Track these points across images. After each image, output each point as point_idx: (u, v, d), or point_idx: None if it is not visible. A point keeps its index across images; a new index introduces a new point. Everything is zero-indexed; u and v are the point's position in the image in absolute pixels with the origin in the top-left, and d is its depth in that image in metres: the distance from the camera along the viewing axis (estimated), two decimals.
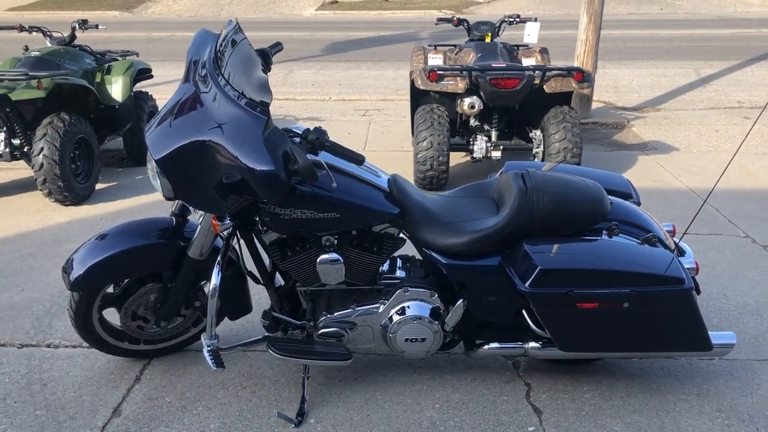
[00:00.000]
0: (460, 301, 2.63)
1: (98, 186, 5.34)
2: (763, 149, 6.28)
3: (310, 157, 2.40)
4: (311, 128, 2.41)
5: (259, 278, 2.79)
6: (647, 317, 2.48)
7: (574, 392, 2.84)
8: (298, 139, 2.45)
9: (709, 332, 2.58)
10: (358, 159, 2.39)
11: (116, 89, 5.54)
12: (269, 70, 2.72)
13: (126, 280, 2.84)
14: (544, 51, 6.11)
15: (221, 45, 2.38)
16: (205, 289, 2.93)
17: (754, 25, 15.11)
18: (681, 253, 2.79)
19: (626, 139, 6.75)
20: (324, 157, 2.52)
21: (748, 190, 5.23)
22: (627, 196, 2.89)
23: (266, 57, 2.73)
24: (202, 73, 2.35)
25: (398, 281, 2.74)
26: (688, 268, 2.65)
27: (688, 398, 2.79)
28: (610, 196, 2.72)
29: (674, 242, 2.75)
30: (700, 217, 4.65)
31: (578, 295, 2.42)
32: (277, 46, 2.87)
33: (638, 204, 2.90)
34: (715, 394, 2.82)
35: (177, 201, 2.79)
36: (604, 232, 2.58)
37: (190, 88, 2.37)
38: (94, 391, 2.86)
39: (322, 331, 2.69)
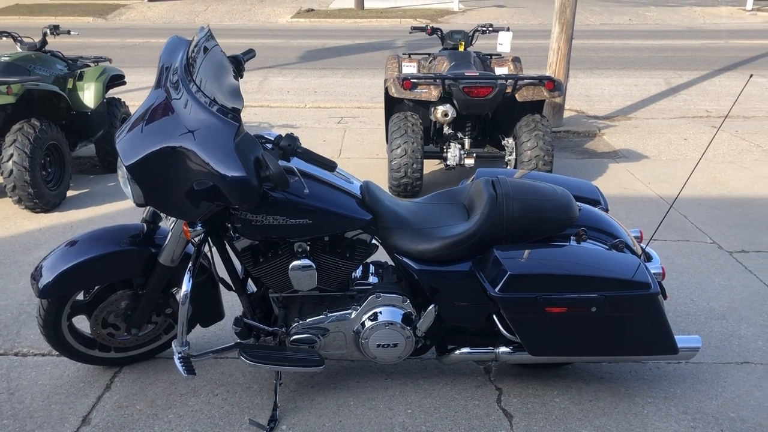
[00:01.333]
0: (431, 307, 2.66)
1: (69, 193, 5.28)
2: (730, 157, 6.41)
3: (282, 163, 2.41)
4: (283, 135, 2.42)
5: (231, 285, 2.79)
6: (615, 321, 2.52)
7: (544, 396, 2.87)
8: (270, 146, 2.45)
9: (676, 336, 2.63)
10: (330, 165, 2.41)
11: (88, 95, 5.48)
12: (241, 77, 2.73)
13: (96, 287, 2.81)
14: (516, 60, 6.19)
15: (193, 51, 2.38)
16: (177, 296, 2.92)
17: (722, 36, 15.44)
18: (648, 258, 2.85)
19: (597, 148, 6.85)
20: (296, 163, 2.53)
21: (715, 197, 5.34)
22: (595, 202, 2.95)
23: (239, 63, 2.75)
24: (174, 79, 2.35)
25: (370, 287, 2.75)
26: (654, 273, 2.71)
27: (655, 401, 2.84)
28: (578, 203, 2.77)
29: (641, 247, 2.81)
30: (668, 224, 4.74)
31: (547, 300, 2.46)
32: (250, 53, 2.88)
33: (606, 210, 2.95)
34: (681, 397, 2.88)
35: (148, 207, 2.78)
36: (572, 237, 2.63)
37: (162, 94, 2.37)
38: (63, 399, 2.83)
39: (294, 337, 2.69)
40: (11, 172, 4.59)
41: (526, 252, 2.52)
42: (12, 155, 4.57)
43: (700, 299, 3.70)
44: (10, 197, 4.72)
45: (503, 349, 2.74)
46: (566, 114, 7.86)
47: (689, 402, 2.84)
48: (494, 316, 2.68)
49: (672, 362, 3.10)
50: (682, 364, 3.09)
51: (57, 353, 3.07)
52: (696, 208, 5.09)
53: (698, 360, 3.12)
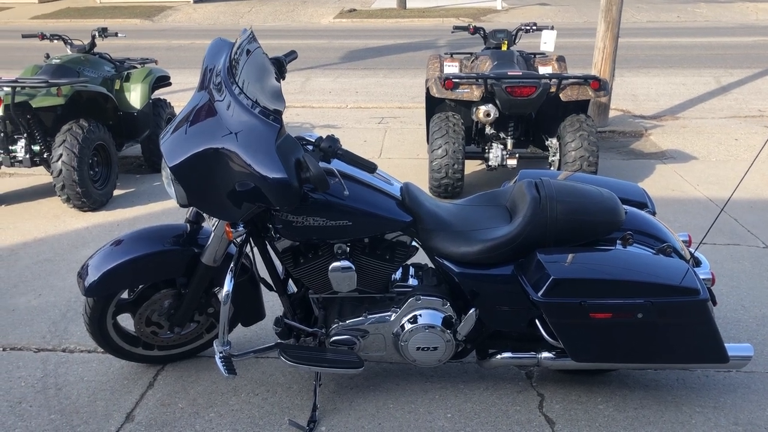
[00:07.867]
0: (472, 310, 2.62)
1: (116, 192, 5.40)
2: None
3: (322, 165, 2.41)
4: (324, 136, 2.42)
5: (272, 285, 2.80)
6: (662, 328, 2.45)
7: (588, 403, 2.81)
8: (311, 147, 2.46)
9: (726, 344, 2.54)
10: (370, 167, 2.40)
11: (135, 96, 5.60)
12: (283, 78, 2.74)
13: (140, 286, 2.86)
14: (561, 59, 6.09)
15: (236, 53, 2.40)
16: (219, 296, 2.94)
17: None
18: (697, 263, 2.76)
19: (644, 148, 6.70)
20: (336, 165, 2.53)
21: None
22: (642, 205, 2.87)
23: (280, 65, 2.76)
24: (217, 81, 2.37)
25: (410, 289, 2.73)
26: (704, 279, 2.63)
27: (704, 411, 2.76)
28: (624, 206, 2.70)
29: (690, 252, 2.72)
30: (718, 227, 4.60)
31: (591, 306, 2.40)
32: (292, 55, 2.89)
33: (653, 213, 2.87)
34: (731, 407, 2.78)
35: (191, 208, 2.81)
36: (618, 241, 2.56)
37: (205, 96, 2.39)
38: (108, 396, 2.88)
39: (334, 338, 2.69)
40: (60, 171, 4.71)
41: (570, 256, 2.47)
42: (61, 155, 4.69)
43: (752, 306, 3.57)
44: (59, 196, 4.85)
45: (546, 354, 2.69)
46: (612, 114, 7.71)
47: (740, 413, 2.75)
48: (537, 321, 2.63)
49: (722, 371, 3.00)
50: (732, 373, 2.99)
51: (102, 350, 3.13)
52: (747, 210, 4.93)
53: (750, 369, 3.01)
